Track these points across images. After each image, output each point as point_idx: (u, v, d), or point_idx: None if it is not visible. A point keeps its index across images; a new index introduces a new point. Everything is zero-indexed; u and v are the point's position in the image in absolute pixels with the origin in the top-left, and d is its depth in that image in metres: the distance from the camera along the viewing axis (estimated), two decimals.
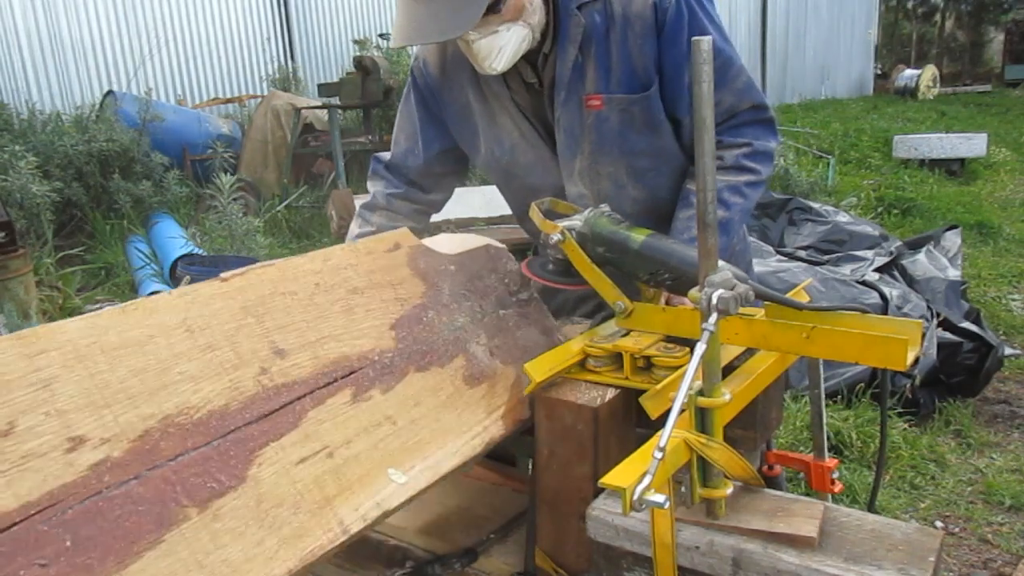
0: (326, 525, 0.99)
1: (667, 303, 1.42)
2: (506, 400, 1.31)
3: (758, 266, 4.11)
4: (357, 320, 1.23)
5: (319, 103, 8.44)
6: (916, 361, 3.53)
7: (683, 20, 1.54)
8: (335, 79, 8.94)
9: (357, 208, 1.90)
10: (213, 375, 1.03)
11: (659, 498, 0.86)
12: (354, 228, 1.86)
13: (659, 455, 0.88)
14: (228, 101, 9.16)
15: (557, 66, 1.59)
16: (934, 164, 9.69)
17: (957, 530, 2.88)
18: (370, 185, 1.92)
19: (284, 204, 7.39)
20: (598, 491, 1.12)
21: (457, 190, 2.00)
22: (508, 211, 1.98)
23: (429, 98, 1.79)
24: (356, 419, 1.11)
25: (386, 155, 1.91)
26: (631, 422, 1.26)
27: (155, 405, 0.96)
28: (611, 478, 0.91)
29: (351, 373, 1.16)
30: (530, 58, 1.61)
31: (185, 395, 0.99)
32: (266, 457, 1.00)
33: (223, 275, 1.14)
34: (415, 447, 1.15)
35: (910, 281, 4.41)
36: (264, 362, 1.08)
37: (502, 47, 1.50)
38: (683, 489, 1.03)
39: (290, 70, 9.78)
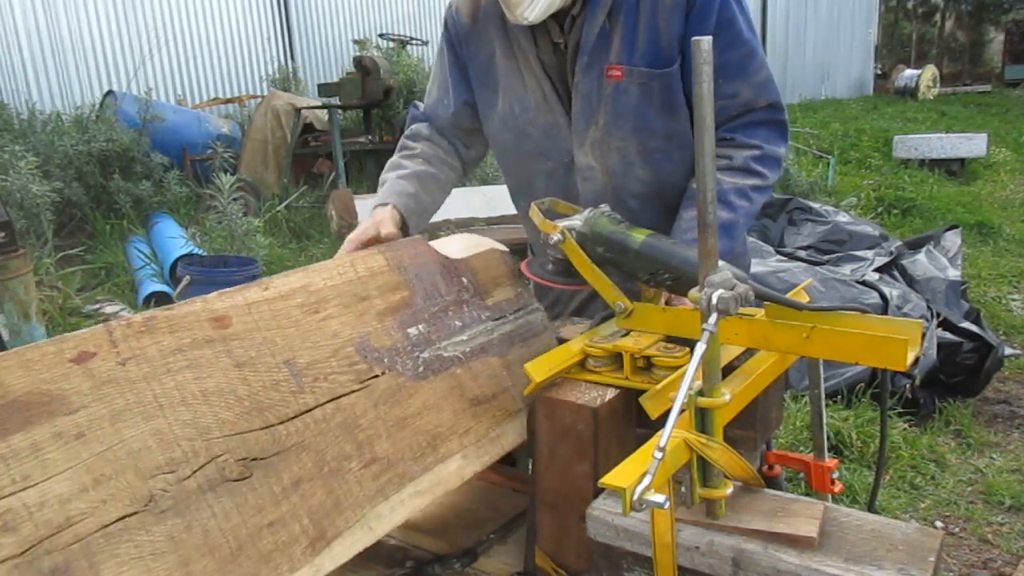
0: None
1: (667, 303, 1.42)
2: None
3: (758, 266, 4.11)
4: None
5: (319, 103, 8.44)
6: (916, 361, 3.52)
7: (713, 4, 1.52)
8: (335, 79, 8.94)
9: (401, 141, 1.88)
10: None
11: (659, 498, 0.86)
12: (395, 160, 1.83)
13: (659, 455, 0.88)
14: (228, 101, 9.16)
15: (584, 30, 1.58)
16: (934, 164, 9.70)
17: (957, 530, 2.88)
18: (409, 123, 1.91)
19: (284, 204, 7.39)
20: (598, 491, 1.12)
21: (457, 190, 1.99)
22: (508, 211, 1.98)
23: (459, 46, 1.77)
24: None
25: (423, 103, 1.92)
26: (631, 422, 1.26)
27: None
28: (611, 478, 0.91)
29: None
30: (559, 18, 1.59)
31: None
32: None
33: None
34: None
35: (910, 281, 4.41)
36: None
37: None
38: (683, 489, 1.02)
39: (290, 70, 9.78)
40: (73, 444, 0.89)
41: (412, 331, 1.31)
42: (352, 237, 1.57)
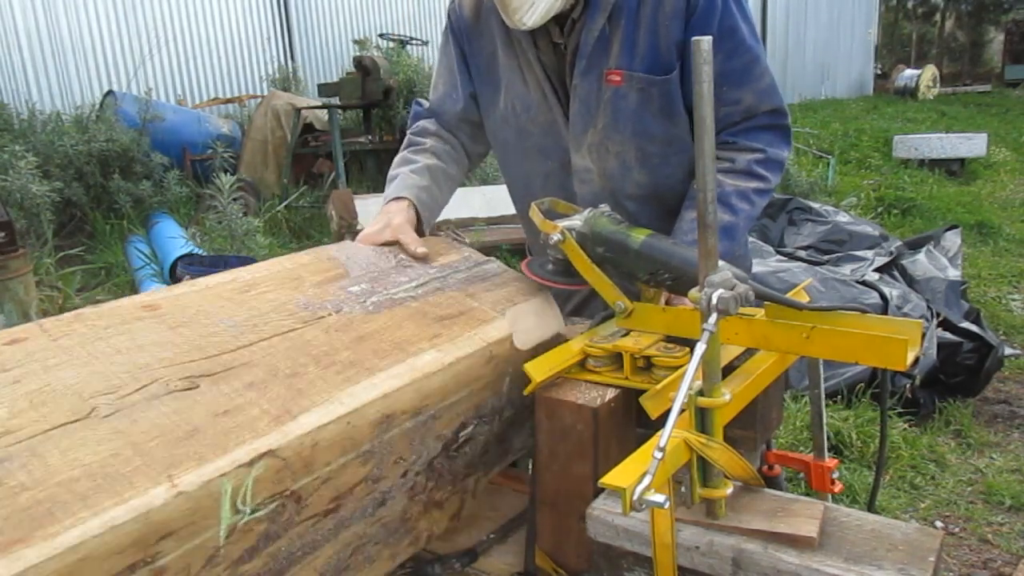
0: None
1: (667, 303, 1.42)
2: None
3: (758, 266, 4.12)
4: None
5: (319, 103, 8.44)
6: (916, 361, 3.53)
7: (715, 10, 1.51)
8: (335, 79, 8.94)
9: (408, 137, 1.85)
10: None
11: (659, 498, 0.86)
12: (405, 155, 1.79)
13: (659, 455, 0.88)
14: (228, 101, 9.15)
15: (583, 34, 1.57)
16: (934, 164, 9.70)
17: (957, 530, 2.88)
18: (412, 122, 1.89)
19: (284, 204, 7.39)
20: (598, 491, 1.12)
21: (457, 190, 1.98)
22: (508, 211, 1.97)
23: (463, 40, 1.76)
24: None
25: (426, 101, 1.89)
26: (631, 422, 1.26)
27: None
28: (611, 478, 0.91)
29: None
30: (559, 20, 1.59)
31: None
32: None
33: None
34: None
35: (910, 281, 4.41)
36: None
37: (534, 2, 1.48)
38: (683, 489, 1.02)
39: (290, 70, 9.77)
40: (9, 386, 0.90)
41: (354, 288, 1.29)
42: (366, 234, 1.53)
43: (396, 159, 1.81)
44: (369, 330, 1.19)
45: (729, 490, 1.02)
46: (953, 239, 5.07)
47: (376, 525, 1.11)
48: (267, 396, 0.99)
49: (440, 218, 1.94)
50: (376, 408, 1.06)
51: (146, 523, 0.80)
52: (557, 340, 1.40)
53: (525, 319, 1.39)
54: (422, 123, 1.87)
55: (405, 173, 1.73)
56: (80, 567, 0.75)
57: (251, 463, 0.89)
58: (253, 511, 0.90)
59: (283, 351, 1.08)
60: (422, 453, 1.17)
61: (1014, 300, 5.33)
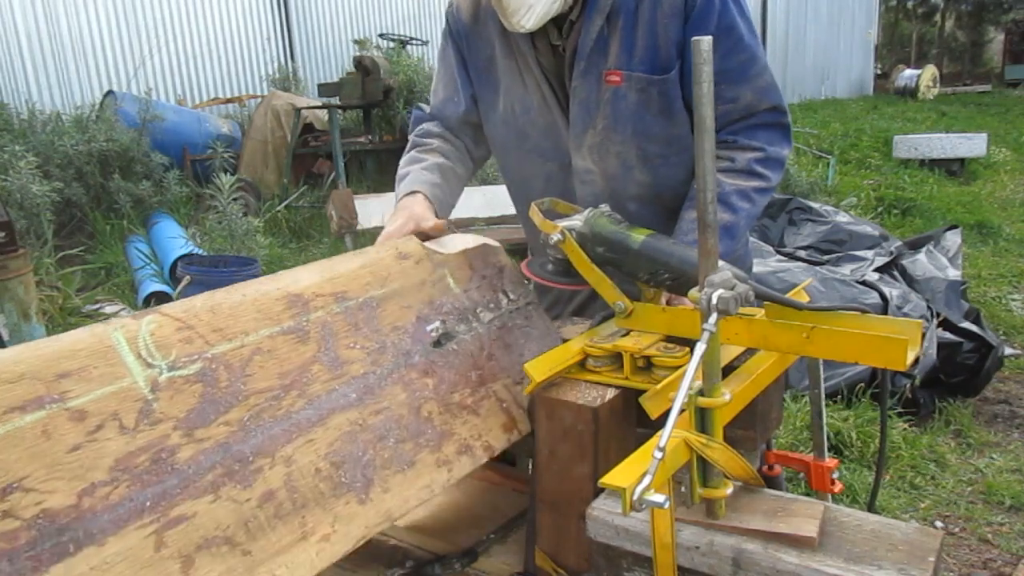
0: None
1: (667, 303, 1.42)
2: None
3: (758, 266, 4.11)
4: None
5: (319, 103, 8.44)
6: (916, 361, 3.53)
7: (713, 9, 1.51)
8: (335, 79, 8.94)
9: (412, 139, 1.85)
10: None
11: (659, 498, 0.86)
12: (413, 155, 1.80)
13: (659, 455, 0.88)
14: (228, 101, 9.15)
15: (581, 35, 1.57)
16: (934, 164, 9.69)
17: (957, 530, 2.88)
18: (414, 126, 1.89)
19: (284, 204, 7.39)
20: (598, 491, 1.12)
21: None
22: (508, 211, 1.97)
23: (461, 43, 1.77)
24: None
25: (427, 106, 1.89)
26: (631, 422, 1.26)
27: None
28: (611, 478, 0.91)
29: None
30: (558, 21, 1.59)
31: None
32: None
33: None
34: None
35: (910, 281, 4.41)
36: None
37: (532, 5, 1.48)
38: (683, 489, 1.02)
39: (290, 70, 9.77)
40: None
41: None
42: (389, 232, 1.53)
43: (403, 159, 1.81)
44: None
45: (729, 490, 1.02)
46: (953, 239, 5.06)
47: (380, 416, 1.14)
48: None
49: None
50: (277, 285, 1.16)
51: (34, 355, 0.85)
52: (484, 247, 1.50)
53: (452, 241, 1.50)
54: (425, 126, 1.87)
55: (416, 170, 1.73)
56: None
57: (137, 318, 0.99)
58: (172, 368, 0.96)
59: None
60: (386, 344, 1.23)
61: (1014, 300, 5.33)
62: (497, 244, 1.54)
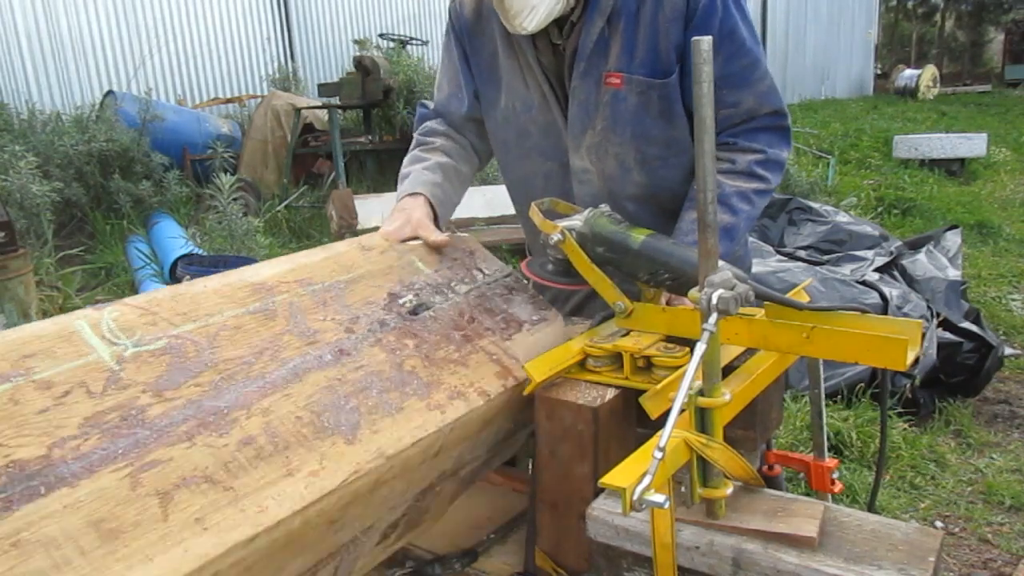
0: None
1: (667, 303, 1.42)
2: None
3: (758, 266, 4.11)
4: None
5: (319, 103, 8.44)
6: (916, 361, 3.53)
7: (714, 14, 1.51)
8: (335, 79, 8.94)
9: (416, 138, 1.85)
10: None
11: (659, 498, 0.86)
12: (416, 153, 1.79)
13: (659, 455, 0.88)
14: (228, 101, 9.15)
15: (582, 36, 1.57)
16: (934, 164, 9.69)
17: (957, 530, 2.88)
18: (418, 123, 1.89)
19: (284, 204, 7.39)
20: (598, 491, 1.12)
21: None
22: (508, 211, 1.97)
23: (464, 40, 1.76)
24: None
25: (431, 102, 1.89)
26: (631, 422, 1.26)
27: None
28: (611, 478, 0.91)
29: None
30: (559, 22, 1.58)
31: None
32: None
33: None
34: None
35: (910, 281, 4.41)
36: None
37: (535, 6, 1.48)
38: (683, 489, 1.02)
39: (290, 70, 9.77)
40: None
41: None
42: (386, 232, 1.53)
43: (406, 158, 1.81)
44: None
45: (729, 490, 1.02)
46: (953, 239, 5.06)
47: (360, 373, 1.13)
48: None
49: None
50: (239, 277, 1.20)
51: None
52: None
53: None
54: (429, 124, 1.86)
55: (418, 170, 1.73)
56: None
57: (99, 308, 1.03)
58: (137, 345, 0.99)
59: None
60: (358, 315, 1.25)
61: (1014, 300, 5.33)
62: (467, 235, 1.56)
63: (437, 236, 1.52)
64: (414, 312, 1.31)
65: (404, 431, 1.07)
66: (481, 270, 1.51)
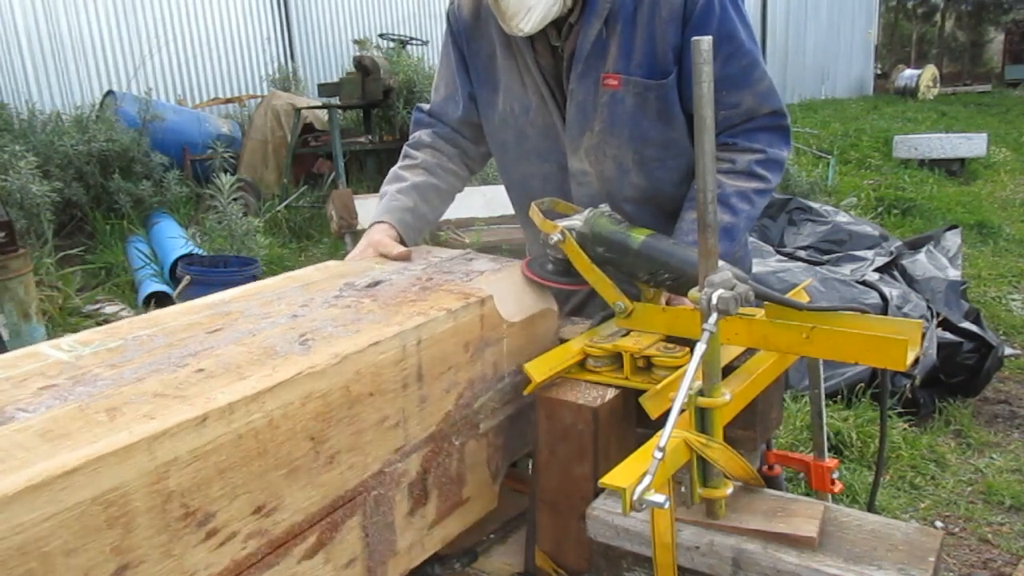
0: None
1: (667, 303, 1.42)
2: None
3: (758, 266, 4.11)
4: None
5: (319, 103, 8.44)
6: (916, 361, 3.53)
7: (712, 15, 1.51)
8: (335, 79, 8.94)
9: (404, 149, 1.89)
10: None
11: (659, 498, 0.86)
12: (396, 171, 1.84)
13: (659, 455, 0.88)
14: (228, 101, 9.15)
15: (579, 37, 1.57)
16: (934, 164, 9.69)
17: (957, 530, 2.88)
18: (413, 130, 1.91)
19: (284, 204, 7.39)
20: (598, 491, 1.12)
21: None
22: (508, 211, 1.97)
23: (462, 42, 1.77)
24: None
25: (427, 105, 1.91)
26: (631, 422, 1.27)
27: None
28: (611, 478, 0.91)
29: None
30: (557, 23, 1.59)
31: None
32: None
33: None
34: None
35: (910, 281, 4.41)
36: None
37: (531, 8, 1.48)
38: (683, 489, 1.03)
39: (290, 70, 9.77)
40: None
41: None
42: (352, 256, 1.62)
43: (389, 174, 1.84)
44: None
45: (729, 490, 1.02)
46: (953, 239, 5.06)
47: (314, 322, 1.18)
48: None
49: (441, 218, 1.94)
50: (199, 301, 1.29)
51: None
52: None
53: None
54: (419, 134, 1.88)
55: (392, 193, 1.78)
56: None
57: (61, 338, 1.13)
58: (95, 347, 1.08)
59: None
60: (313, 297, 1.32)
61: (1014, 300, 5.33)
62: (426, 246, 1.68)
63: (398, 250, 1.59)
64: (371, 286, 1.37)
65: (361, 340, 1.11)
66: (436, 256, 1.60)
